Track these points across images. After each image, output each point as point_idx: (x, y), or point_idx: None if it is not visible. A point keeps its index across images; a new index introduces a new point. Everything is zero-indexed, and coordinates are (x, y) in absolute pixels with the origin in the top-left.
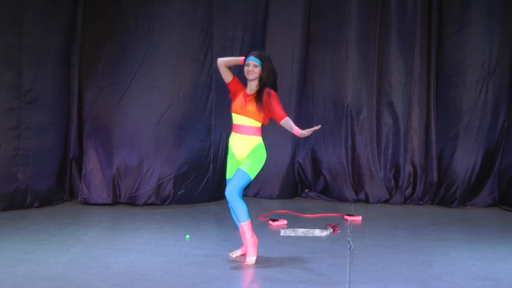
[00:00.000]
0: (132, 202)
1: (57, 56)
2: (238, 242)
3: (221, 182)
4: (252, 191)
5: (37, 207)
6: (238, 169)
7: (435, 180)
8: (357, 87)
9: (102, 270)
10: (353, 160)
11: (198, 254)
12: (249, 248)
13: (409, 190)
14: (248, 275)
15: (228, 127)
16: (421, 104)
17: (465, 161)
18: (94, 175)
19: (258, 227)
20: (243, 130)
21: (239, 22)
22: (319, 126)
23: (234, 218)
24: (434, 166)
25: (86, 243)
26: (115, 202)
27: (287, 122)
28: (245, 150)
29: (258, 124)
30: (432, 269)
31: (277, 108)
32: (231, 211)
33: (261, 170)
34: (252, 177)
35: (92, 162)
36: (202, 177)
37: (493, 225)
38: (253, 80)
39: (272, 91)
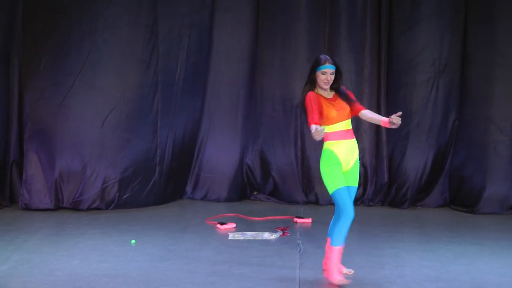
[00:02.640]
0: (75, 207)
1: None
2: (186, 246)
3: (168, 185)
4: (200, 194)
5: None
6: (354, 188)
7: (385, 180)
8: None
9: (44, 277)
10: (303, 161)
11: (144, 260)
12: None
13: (360, 191)
14: (196, 280)
15: (174, 129)
16: (371, 103)
17: (416, 161)
18: (36, 179)
19: (206, 231)
20: (347, 134)
21: (185, 20)
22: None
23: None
24: (385, 166)
25: (28, 250)
26: (57, 207)
27: (369, 117)
28: (353, 157)
29: (351, 126)
30: (383, 271)
31: (356, 101)
32: (331, 227)
33: (208, 173)
34: None
35: (33, 166)
36: (148, 180)
37: (444, 226)
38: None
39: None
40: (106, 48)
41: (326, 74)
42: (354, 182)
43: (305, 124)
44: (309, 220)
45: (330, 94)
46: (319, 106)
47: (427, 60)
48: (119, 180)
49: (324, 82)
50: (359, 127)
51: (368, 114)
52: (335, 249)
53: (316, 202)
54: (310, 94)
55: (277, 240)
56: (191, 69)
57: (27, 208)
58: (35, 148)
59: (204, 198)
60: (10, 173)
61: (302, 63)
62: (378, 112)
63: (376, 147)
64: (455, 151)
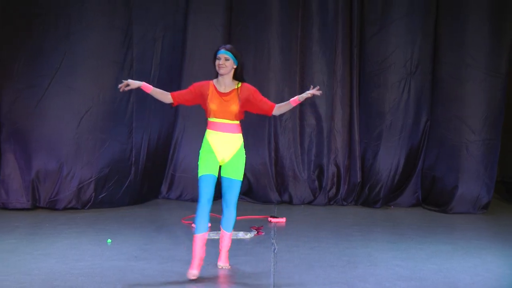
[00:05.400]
0: (52, 206)
1: None
2: (161, 245)
3: (143, 185)
4: (175, 194)
5: None
6: (232, 180)
7: (358, 180)
8: (280, 88)
9: (21, 276)
10: (276, 161)
11: (120, 259)
12: (226, 255)
13: (333, 190)
14: (171, 278)
15: (149, 129)
16: (344, 104)
17: (388, 161)
18: (13, 179)
19: (181, 230)
20: (224, 128)
21: (159, 23)
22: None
23: (225, 225)
24: (358, 166)
25: (5, 249)
26: (34, 206)
27: (280, 107)
28: (229, 151)
29: (237, 122)
30: (357, 270)
31: (264, 101)
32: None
33: (183, 173)
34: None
35: (10, 166)
36: (124, 180)
37: (416, 225)
38: (225, 74)
39: (252, 86)
40: (81, 51)
41: (220, 59)
42: (233, 174)
43: (279, 124)
44: (283, 220)
45: (226, 89)
46: (193, 93)
47: (398, 61)
48: (95, 180)
49: (218, 66)
50: (331, 128)
51: (278, 109)
52: (194, 237)
53: (290, 202)
54: (202, 82)
55: (251, 239)
56: (165, 71)
57: (4, 207)
58: (12, 148)
59: (179, 198)
60: None
61: (275, 65)
62: (351, 113)
63: (348, 147)
64: (427, 151)
